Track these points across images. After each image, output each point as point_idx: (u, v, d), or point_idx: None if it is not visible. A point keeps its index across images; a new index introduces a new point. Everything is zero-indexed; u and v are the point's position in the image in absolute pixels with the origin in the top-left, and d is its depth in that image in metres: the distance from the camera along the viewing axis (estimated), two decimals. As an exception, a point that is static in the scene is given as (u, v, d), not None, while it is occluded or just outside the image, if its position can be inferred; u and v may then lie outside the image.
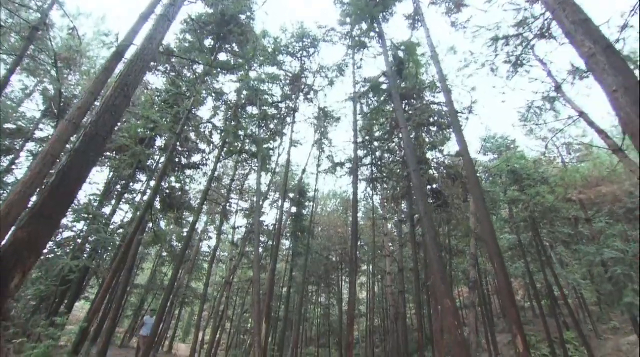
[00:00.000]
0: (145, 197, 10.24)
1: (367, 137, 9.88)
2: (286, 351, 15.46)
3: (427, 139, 10.46)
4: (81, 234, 9.44)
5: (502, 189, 14.13)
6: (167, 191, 14.06)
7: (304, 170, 14.14)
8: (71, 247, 10.09)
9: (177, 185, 14.42)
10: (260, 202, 6.48)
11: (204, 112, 41.26)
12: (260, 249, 21.09)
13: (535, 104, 9.52)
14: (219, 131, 12.26)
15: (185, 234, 18.74)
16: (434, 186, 10.99)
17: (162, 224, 19.97)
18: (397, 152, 10.19)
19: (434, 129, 10.52)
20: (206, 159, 12.23)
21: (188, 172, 13.93)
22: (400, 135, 9.39)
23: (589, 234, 11.46)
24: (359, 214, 26.53)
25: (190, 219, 12.40)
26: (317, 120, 15.27)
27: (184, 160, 13.21)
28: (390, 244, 17.42)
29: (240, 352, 18.55)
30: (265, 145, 9.78)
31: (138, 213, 6.04)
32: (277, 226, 10.30)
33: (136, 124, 6.47)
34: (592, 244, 11.47)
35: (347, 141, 11.54)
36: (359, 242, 22.75)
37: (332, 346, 21.98)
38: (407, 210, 10.43)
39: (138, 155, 8.28)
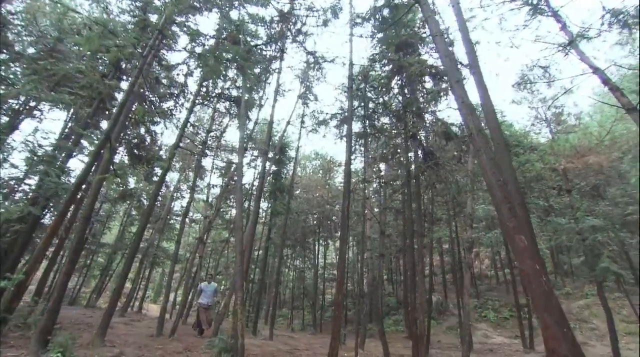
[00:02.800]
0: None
1: (362, 85, 8.96)
2: (260, 312, 15.21)
3: (422, 96, 9.70)
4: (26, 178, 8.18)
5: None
6: (135, 140, 12.65)
7: (288, 123, 13.08)
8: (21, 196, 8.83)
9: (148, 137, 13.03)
10: (244, 145, 5.61)
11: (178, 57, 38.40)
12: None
13: (541, 62, 8.90)
14: (194, 75, 10.87)
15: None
16: (426, 145, 10.40)
17: (132, 181, 18.51)
18: (393, 106, 9.42)
19: (430, 82, 9.76)
20: (180, 105, 10.88)
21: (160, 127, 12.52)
22: (399, 83, 8.58)
23: (569, 204, 11.50)
24: (338, 179, 26.04)
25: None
26: (303, 74, 14.05)
27: (154, 107, 11.77)
28: (369, 209, 17.05)
29: (213, 313, 18.26)
30: (248, 85, 8.65)
31: (93, 148, 4.97)
32: (259, 182, 9.45)
33: (91, 35, 5.14)
34: (570, 214, 11.55)
35: (338, 88, 10.56)
36: (335, 207, 22.41)
37: (306, 308, 22.21)
38: (401, 169, 9.84)
39: (97, 89, 6.93)
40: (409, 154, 9.13)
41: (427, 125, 9.72)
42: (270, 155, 14.71)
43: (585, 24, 8.72)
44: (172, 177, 21.59)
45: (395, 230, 21.57)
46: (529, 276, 3.10)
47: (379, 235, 12.75)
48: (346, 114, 9.42)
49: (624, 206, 17.56)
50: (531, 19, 7.86)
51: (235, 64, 6.57)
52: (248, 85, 8.03)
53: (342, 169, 25.57)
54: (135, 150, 12.99)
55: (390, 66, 8.73)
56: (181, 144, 9.70)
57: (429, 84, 10.40)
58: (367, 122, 9.37)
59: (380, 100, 9.33)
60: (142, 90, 10.48)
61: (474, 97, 5.04)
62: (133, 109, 9.12)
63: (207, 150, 12.77)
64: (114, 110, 4.51)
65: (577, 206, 11.60)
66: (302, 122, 14.66)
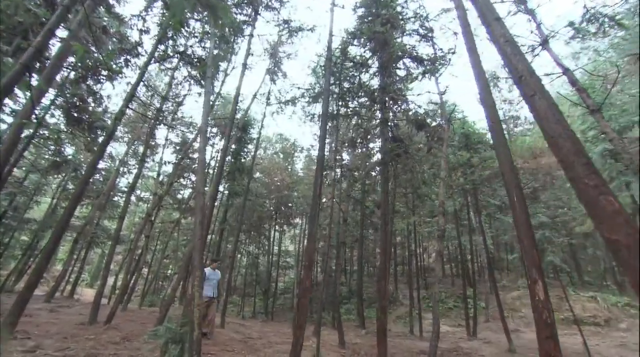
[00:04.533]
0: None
1: (340, 60, 8.41)
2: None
3: (399, 81, 9.42)
4: None
5: (452, 152, 14.16)
6: (75, 100, 10.92)
7: (254, 96, 12.12)
8: None
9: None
10: (210, 102, 4.81)
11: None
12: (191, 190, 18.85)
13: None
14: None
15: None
16: (396, 133, 10.20)
17: (70, 151, 16.29)
18: (369, 86, 9.01)
19: (404, 71, 9.51)
20: (133, 64, 9.47)
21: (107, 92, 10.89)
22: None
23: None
24: (299, 165, 25.49)
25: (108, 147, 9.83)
26: (273, 48, 13.13)
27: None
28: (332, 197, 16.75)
29: (158, 299, 16.91)
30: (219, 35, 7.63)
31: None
32: (221, 157, 8.56)
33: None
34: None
35: (310, 66, 9.89)
36: (294, 193, 21.89)
37: (258, 296, 21.60)
38: (380, 151, 9.51)
39: (16, 19, 5.54)
40: (381, 140, 8.83)
41: (400, 111, 9.49)
42: (232, 132, 13.71)
43: (555, 28, 9.00)
44: (120, 150, 19.49)
45: (352, 220, 21.64)
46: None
47: (342, 223, 12.47)
48: (318, 91, 8.85)
49: (554, 209, 19.37)
50: (507, 15, 7.85)
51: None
52: (218, 34, 7.04)
53: (304, 155, 25.04)
54: (74, 112, 11.27)
55: (372, 43, 8.29)
56: (131, 107, 8.42)
57: (402, 71, 10.17)
58: (341, 102, 8.88)
59: (357, 79, 8.88)
60: (85, 42, 8.95)
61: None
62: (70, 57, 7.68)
63: (161, 120, 11.43)
64: (39, 37, 3.47)
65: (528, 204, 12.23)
66: (268, 99, 13.78)
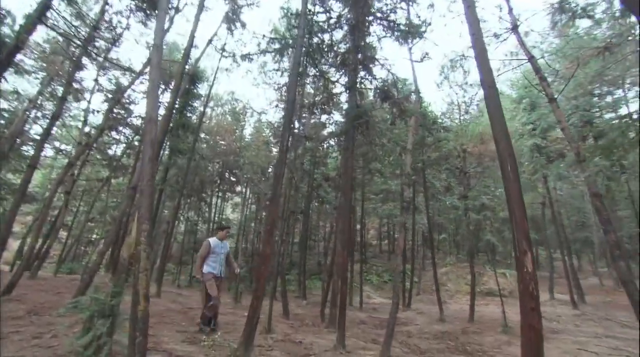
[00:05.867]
0: None
1: (313, 8, 7.51)
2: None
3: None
4: None
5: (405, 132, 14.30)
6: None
7: (210, 42, 10.59)
8: None
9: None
10: (162, 31, 3.73)
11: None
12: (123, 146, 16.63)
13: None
14: None
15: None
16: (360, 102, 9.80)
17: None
18: (340, 48, 8.33)
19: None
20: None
21: None
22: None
23: (465, 184, 12.82)
24: (249, 130, 24.05)
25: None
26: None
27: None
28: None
29: (80, 266, 14.93)
30: None
31: None
32: (168, 104, 7.30)
33: None
34: (461, 194, 12.90)
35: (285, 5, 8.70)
36: (241, 160, 20.66)
37: (195, 264, 20.48)
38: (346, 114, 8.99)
39: None
40: (349, 106, 8.34)
41: (369, 78, 9.04)
42: (171, 86, 12.04)
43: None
44: (30, 91, 16.14)
45: (298, 192, 21.32)
46: (521, 220, 2.97)
47: (293, 192, 11.98)
48: (284, 43, 7.95)
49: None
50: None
51: None
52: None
53: (254, 120, 23.63)
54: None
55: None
56: (47, 24, 6.53)
57: (374, 38, 9.63)
58: (309, 59, 8.09)
59: (329, 35, 8.13)
60: None
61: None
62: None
63: (90, 53, 9.41)
64: None
65: (470, 187, 12.94)
66: (223, 51, 12.30)
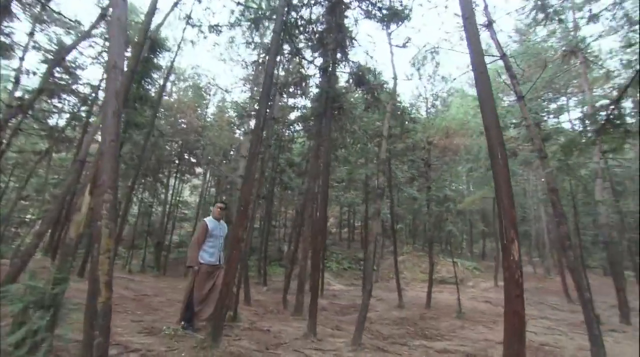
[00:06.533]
0: None
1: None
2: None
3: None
4: None
5: (377, 119, 14.30)
6: None
7: (174, 6, 9.54)
8: None
9: None
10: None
11: None
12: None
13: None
14: None
15: None
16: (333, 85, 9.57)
17: None
18: (318, 27, 7.92)
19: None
20: None
21: None
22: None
23: (427, 176, 13.19)
24: (211, 109, 22.76)
25: None
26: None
27: None
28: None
29: (9, 249, 13.22)
30: None
31: None
32: (127, 77, 6.41)
33: None
34: (424, 185, 13.29)
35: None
36: (201, 141, 19.52)
37: (148, 248, 19.20)
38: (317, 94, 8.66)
39: None
40: (323, 87, 8.03)
41: (344, 61, 8.78)
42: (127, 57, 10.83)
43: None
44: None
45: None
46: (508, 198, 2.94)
47: (260, 176, 11.50)
48: (262, 12, 7.38)
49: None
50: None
51: None
52: None
53: (218, 99, 22.40)
54: None
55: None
56: None
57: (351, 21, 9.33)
58: (286, 36, 7.60)
59: (306, 13, 7.69)
60: None
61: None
62: None
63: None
64: None
65: (433, 179, 13.34)
66: (189, 18, 11.27)
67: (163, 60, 13.37)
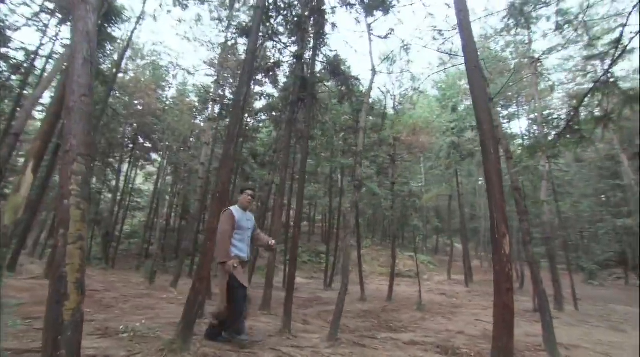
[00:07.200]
0: None
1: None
2: (26, 242, 10.15)
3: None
4: None
5: (344, 113, 14.23)
6: None
7: None
8: None
9: None
10: None
11: None
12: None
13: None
14: None
15: None
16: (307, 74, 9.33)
17: None
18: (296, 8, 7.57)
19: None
20: None
21: None
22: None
23: (392, 172, 13.48)
24: (172, 92, 21.29)
25: None
26: None
27: None
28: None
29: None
30: None
31: None
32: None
33: None
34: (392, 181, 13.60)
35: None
36: (159, 125, 18.18)
37: (95, 238, 17.60)
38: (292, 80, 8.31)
39: None
40: (296, 74, 7.75)
41: (321, 46, 8.54)
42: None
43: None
44: None
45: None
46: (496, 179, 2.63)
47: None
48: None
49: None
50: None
51: None
52: None
53: (176, 83, 20.97)
54: None
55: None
56: None
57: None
58: (264, 16, 7.17)
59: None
60: None
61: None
62: None
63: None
64: None
65: (398, 175, 13.65)
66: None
67: (119, 32, 12.10)
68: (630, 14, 4.84)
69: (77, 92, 1.91)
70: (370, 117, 13.84)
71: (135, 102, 17.48)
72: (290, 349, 3.86)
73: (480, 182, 34.39)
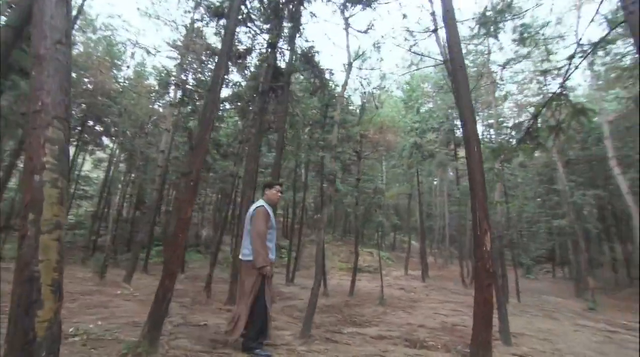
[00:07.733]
0: None
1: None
2: None
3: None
4: None
5: (313, 106, 14.10)
6: None
7: None
8: None
9: None
10: None
11: None
12: None
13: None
14: None
15: None
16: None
17: None
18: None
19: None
20: None
21: None
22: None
23: (357, 169, 13.67)
24: (128, 72, 19.66)
25: None
26: None
27: None
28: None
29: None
30: None
31: None
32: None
33: None
34: (356, 178, 13.78)
35: None
36: (113, 107, 16.73)
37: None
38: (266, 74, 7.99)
39: None
40: (268, 64, 7.48)
41: (297, 34, 8.34)
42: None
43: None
44: None
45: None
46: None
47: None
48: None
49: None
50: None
51: None
52: None
53: (133, 64, 19.46)
54: None
55: None
56: None
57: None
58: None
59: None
60: None
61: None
62: None
63: None
64: None
65: (363, 172, 13.84)
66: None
67: None
68: (583, 34, 5.25)
69: (50, 38, 1.54)
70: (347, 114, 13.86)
71: (86, 80, 15.83)
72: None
73: (435, 183, 36.21)
